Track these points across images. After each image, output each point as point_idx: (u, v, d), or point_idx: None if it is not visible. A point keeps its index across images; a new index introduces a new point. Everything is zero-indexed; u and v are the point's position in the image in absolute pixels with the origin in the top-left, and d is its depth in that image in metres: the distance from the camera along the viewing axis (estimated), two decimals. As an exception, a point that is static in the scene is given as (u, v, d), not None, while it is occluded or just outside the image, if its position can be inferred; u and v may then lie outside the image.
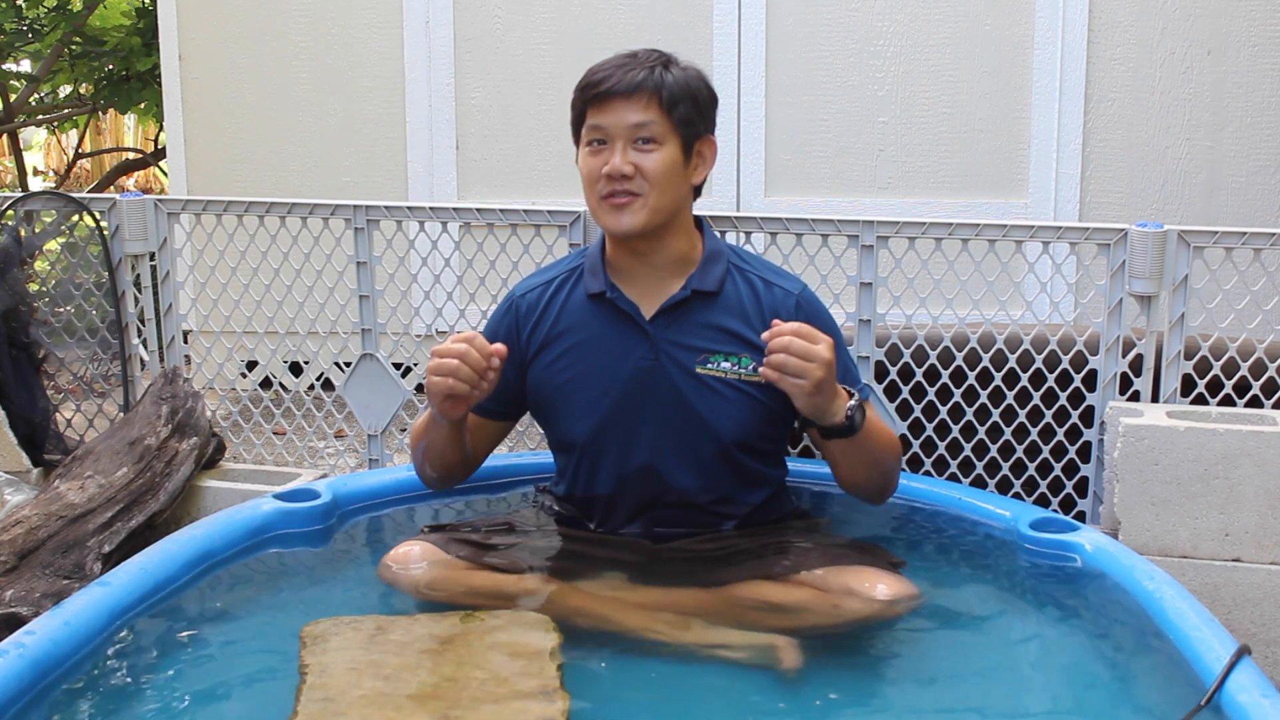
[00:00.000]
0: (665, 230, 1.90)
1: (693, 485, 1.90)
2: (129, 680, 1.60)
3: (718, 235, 2.02)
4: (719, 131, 1.98)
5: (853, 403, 1.78)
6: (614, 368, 1.91)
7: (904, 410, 2.54)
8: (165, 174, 8.33)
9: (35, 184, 11.13)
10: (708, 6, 4.09)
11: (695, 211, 1.99)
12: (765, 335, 1.74)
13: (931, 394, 2.52)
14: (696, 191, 1.96)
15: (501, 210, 2.63)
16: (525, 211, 2.62)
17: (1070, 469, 2.53)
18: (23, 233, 2.80)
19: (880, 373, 2.52)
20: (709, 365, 1.89)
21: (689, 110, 1.87)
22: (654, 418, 1.89)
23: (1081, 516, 2.50)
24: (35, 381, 2.77)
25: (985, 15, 4.05)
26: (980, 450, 2.55)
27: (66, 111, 8.63)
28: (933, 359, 2.51)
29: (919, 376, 2.52)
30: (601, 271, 1.95)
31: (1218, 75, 4.02)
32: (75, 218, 2.80)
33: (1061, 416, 2.49)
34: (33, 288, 2.94)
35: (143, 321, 2.83)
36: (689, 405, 1.88)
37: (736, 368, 1.90)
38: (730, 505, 1.94)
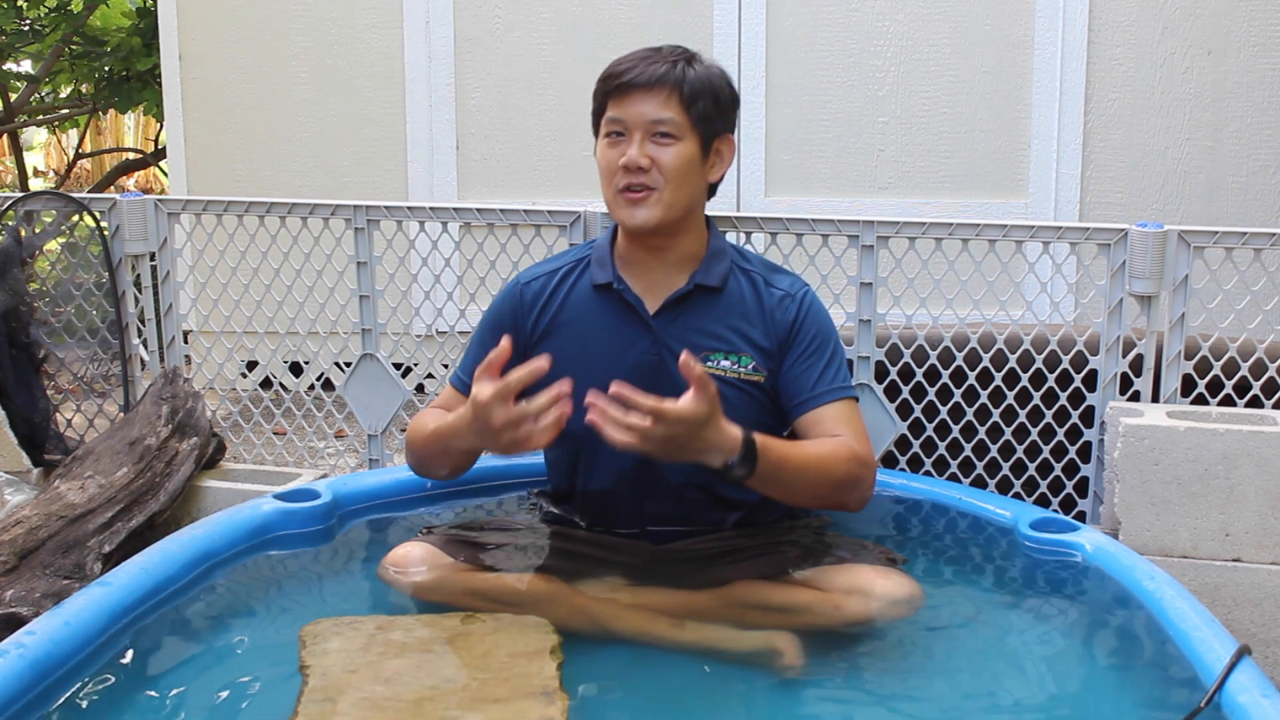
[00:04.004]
0: (679, 227, 1.90)
1: (691, 482, 1.90)
2: (129, 680, 1.60)
3: (722, 235, 2.03)
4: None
5: (735, 456, 1.66)
6: (616, 360, 1.90)
7: (904, 410, 2.54)
8: (165, 174, 8.33)
9: (35, 184, 11.13)
10: (708, 6, 4.09)
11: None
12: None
13: (931, 394, 2.52)
14: (712, 190, 1.97)
15: (501, 210, 2.63)
16: (525, 212, 2.62)
17: (1070, 469, 2.53)
18: (23, 233, 2.80)
19: (880, 373, 2.52)
20: (709, 363, 1.89)
21: (708, 107, 1.88)
22: None
23: (1082, 516, 2.50)
24: (35, 381, 2.77)
25: (985, 15, 4.05)
26: (980, 450, 2.55)
27: (66, 111, 8.63)
28: (933, 359, 2.51)
29: (919, 376, 2.52)
30: (610, 263, 1.95)
31: (1218, 75, 4.02)
32: (75, 218, 2.80)
33: (1062, 417, 2.49)
34: (33, 288, 2.94)
35: (143, 321, 2.83)
36: None
37: (736, 366, 1.90)
38: (729, 503, 1.93)
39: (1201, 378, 2.43)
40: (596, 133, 1.93)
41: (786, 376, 1.91)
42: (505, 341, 1.68)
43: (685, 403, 1.60)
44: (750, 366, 1.90)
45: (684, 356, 1.60)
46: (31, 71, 7.71)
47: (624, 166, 1.84)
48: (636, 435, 1.59)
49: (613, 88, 1.86)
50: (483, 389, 1.65)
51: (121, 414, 2.78)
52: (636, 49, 1.91)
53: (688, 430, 1.61)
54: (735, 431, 1.67)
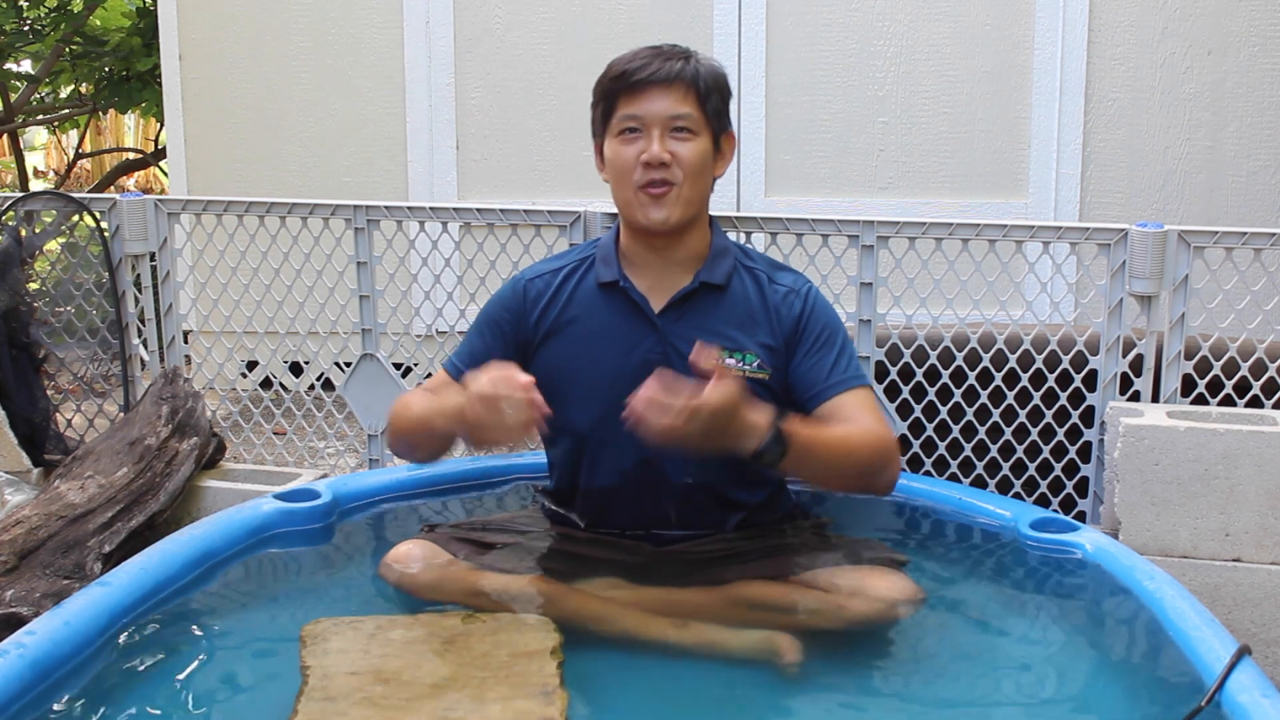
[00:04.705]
0: (691, 224, 1.91)
1: (693, 482, 1.90)
2: (129, 681, 1.60)
3: (724, 233, 2.03)
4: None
5: (767, 439, 1.64)
6: (622, 358, 1.90)
7: (904, 410, 2.54)
8: (165, 174, 8.33)
9: (35, 184, 11.12)
10: (708, 6, 4.09)
11: None
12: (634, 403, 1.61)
13: (931, 394, 2.52)
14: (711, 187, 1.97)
15: (501, 210, 2.63)
16: (525, 211, 2.62)
17: (1070, 469, 2.53)
18: (23, 233, 2.80)
19: (880, 373, 2.52)
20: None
21: (719, 103, 1.89)
22: None
23: (1082, 516, 2.50)
24: (35, 381, 2.77)
25: (985, 15, 4.05)
26: (980, 450, 2.55)
27: (67, 111, 8.63)
28: (933, 359, 2.51)
29: (919, 376, 2.52)
30: (615, 261, 1.95)
31: (1218, 75, 4.02)
32: (75, 218, 2.80)
33: (1062, 416, 2.49)
34: (33, 288, 2.94)
35: (143, 321, 2.83)
36: None
37: (742, 364, 1.90)
38: (730, 504, 1.93)
39: (1201, 378, 2.43)
40: (599, 133, 1.92)
41: (798, 372, 1.90)
42: (539, 404, 1.66)
43: (712, 390, 1.58)
44: (755, 364, 1.89)
45: (695, 350, 1.59)
46: (31, 71, 7.71)
47: (646, 163, 1.84)
48: (678, 428, 1.57)
49: (627, 85, 1.85)
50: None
51: (121, 414, 2.78)
52: (637, 49, 1.91)
53: (722, 417, 1.59)
54: (763, 416, 1.65)
